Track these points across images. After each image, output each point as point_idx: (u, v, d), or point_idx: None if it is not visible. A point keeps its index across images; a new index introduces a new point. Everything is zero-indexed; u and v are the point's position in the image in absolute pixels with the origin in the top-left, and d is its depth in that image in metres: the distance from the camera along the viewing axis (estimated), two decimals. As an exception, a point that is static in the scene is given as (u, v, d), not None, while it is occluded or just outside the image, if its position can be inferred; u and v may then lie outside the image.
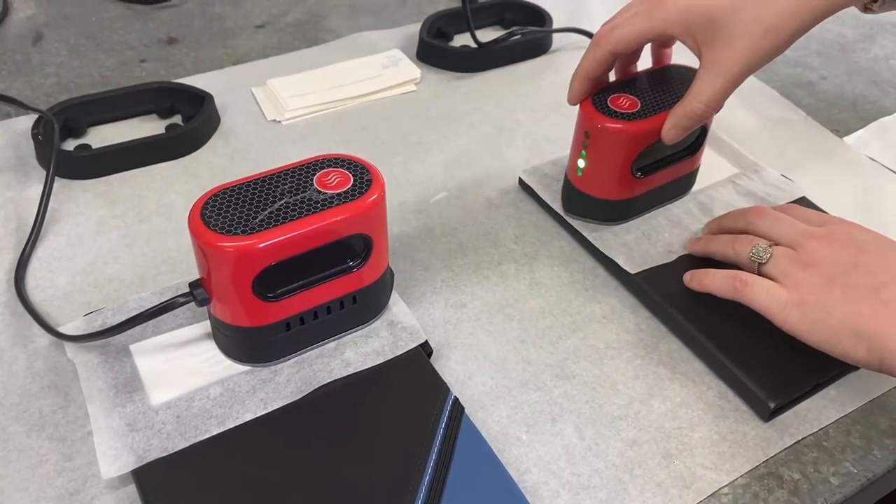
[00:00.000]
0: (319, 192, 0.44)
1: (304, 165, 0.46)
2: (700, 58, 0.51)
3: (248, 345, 0.47)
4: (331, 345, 0.49)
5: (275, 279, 0.44)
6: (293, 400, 0.46)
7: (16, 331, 0.51)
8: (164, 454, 0.43)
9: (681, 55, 0.58)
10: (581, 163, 0.57)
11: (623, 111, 0.54)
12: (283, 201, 0.43)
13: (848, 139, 0.71)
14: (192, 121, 0.66)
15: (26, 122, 0.67)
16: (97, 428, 0.44)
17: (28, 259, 0.55)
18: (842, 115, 0.75)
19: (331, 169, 0.46)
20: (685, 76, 0.58)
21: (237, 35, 0.81)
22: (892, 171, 0.68)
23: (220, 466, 0.43)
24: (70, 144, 0.65)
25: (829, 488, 0.45)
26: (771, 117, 0.74)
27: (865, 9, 0.53)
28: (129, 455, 0.43)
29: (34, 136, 0.63)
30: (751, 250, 0.50)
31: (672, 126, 0.53)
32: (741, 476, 0.45)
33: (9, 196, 0.61)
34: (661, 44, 0.59)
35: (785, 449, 0.46)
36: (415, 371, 0.48)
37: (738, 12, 0.48)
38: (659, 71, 0.58)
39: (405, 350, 0.49)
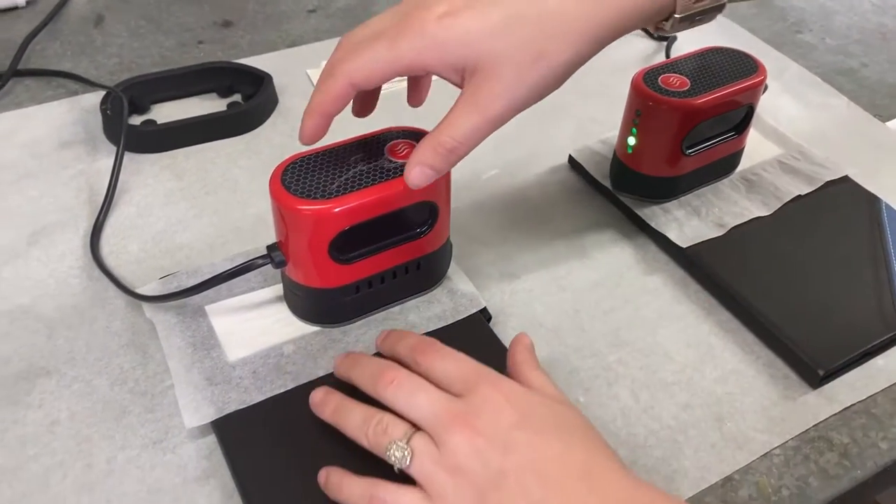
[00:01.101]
0: (391, 160, 0.46)
1: (375, 136, 0.48)
2: (462, 90, 0.42)
3: (321, 306, 0.49)
4: (395, 309, 0.51)
5: (348, 243, 0.46)
6: (363, 358, 0.48)
7: (94, 293, 0.54)
8: (242, 406, 0.45)
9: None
10: (631, 140, 0.59)
11: (674, 90, 0.56)
12: (356, 168, 0.46)
13: (891, 124, 0.72)
14: (253, 99, 0.68)
15: (92, 98, 0.70)
16: (178, 382, 0.47)
17: (102, 226, 0.58)
18: (884, 101, 0.76)
19: (400, 140, 0.48)
20: (733, 58, 0.59)
21: (290, 19, 0.84)
22: (934, 154, 0.69)
23: (295, 419, 0.45)
24: (135, 120, 0.68)
25: (879, 452, 0.46)
26: (813, 102, 0.75)
27: (657, 29, 0.47)
28: (209, 407, 0.45)
29: (103, 111, 0.66)
30: (388, 449, 0.39)
31: (416, 163, 0.42)
32: (792, 438, 0.47)
33: (80, 168, 0.64)
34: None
35: (834, 415, 0.48)
36: (476, 335, 0.50)
37: (502, 36, 0.40)
38: (707, 53, 0.60)
39: (465, 315, 0.51)
